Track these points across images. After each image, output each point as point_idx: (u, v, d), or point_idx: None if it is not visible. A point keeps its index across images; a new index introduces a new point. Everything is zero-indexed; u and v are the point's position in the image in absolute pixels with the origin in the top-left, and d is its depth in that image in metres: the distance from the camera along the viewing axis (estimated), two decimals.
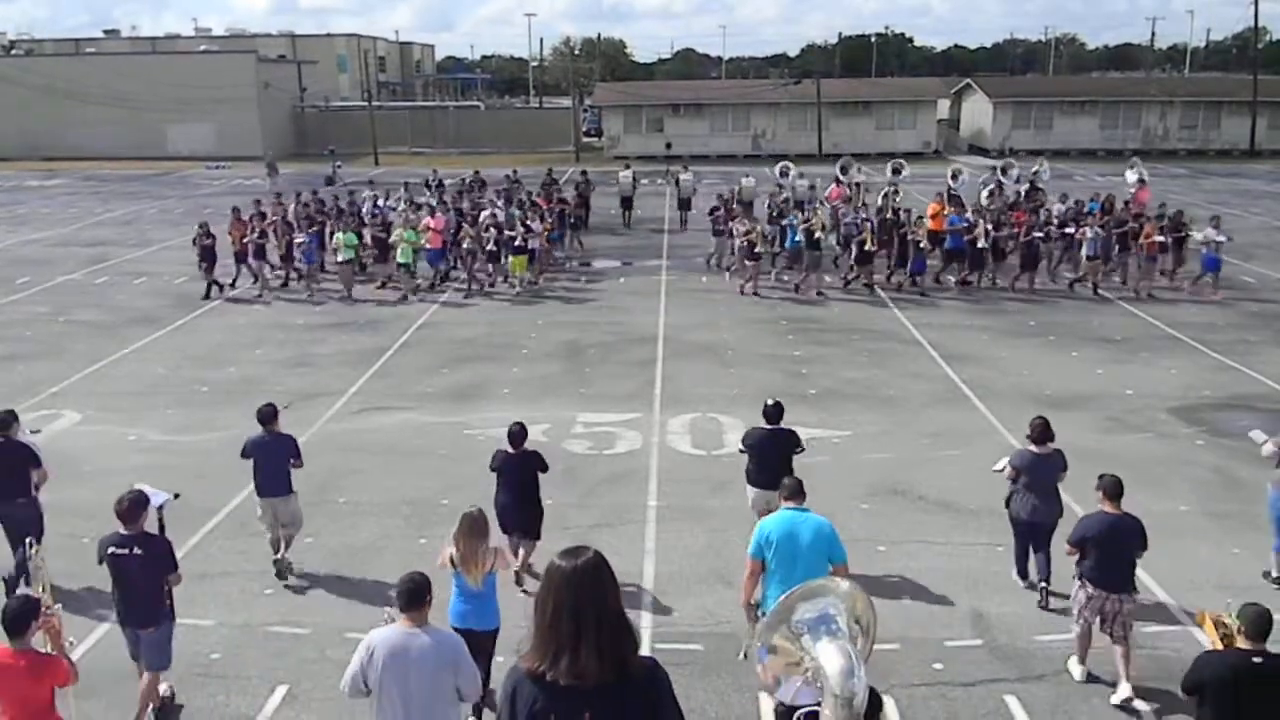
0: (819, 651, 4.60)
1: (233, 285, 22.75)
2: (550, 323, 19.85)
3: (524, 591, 9.46)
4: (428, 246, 22.62)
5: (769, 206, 25.33)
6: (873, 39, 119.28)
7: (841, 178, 28.98)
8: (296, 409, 14.07)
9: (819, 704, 4.59)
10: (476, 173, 32.60)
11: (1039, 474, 9.24)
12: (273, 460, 9.67)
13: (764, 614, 6.93)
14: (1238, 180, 41.57)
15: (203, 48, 70.60)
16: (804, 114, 56.09)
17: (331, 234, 22.93)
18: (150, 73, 58.16)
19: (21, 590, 7.57)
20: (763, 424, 9.86)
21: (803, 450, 9.82)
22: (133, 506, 7.26)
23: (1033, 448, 9.31)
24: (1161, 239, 21.61)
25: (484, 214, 23.65)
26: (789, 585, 6.37)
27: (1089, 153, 54.88)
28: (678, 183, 31.03)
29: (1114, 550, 7.86)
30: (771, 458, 9.37)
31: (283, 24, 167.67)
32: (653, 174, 44.83)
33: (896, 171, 29.91)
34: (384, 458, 12.90)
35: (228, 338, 18.97)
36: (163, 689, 7.72)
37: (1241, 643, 6.03)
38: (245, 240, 22.25)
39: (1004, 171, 29.25)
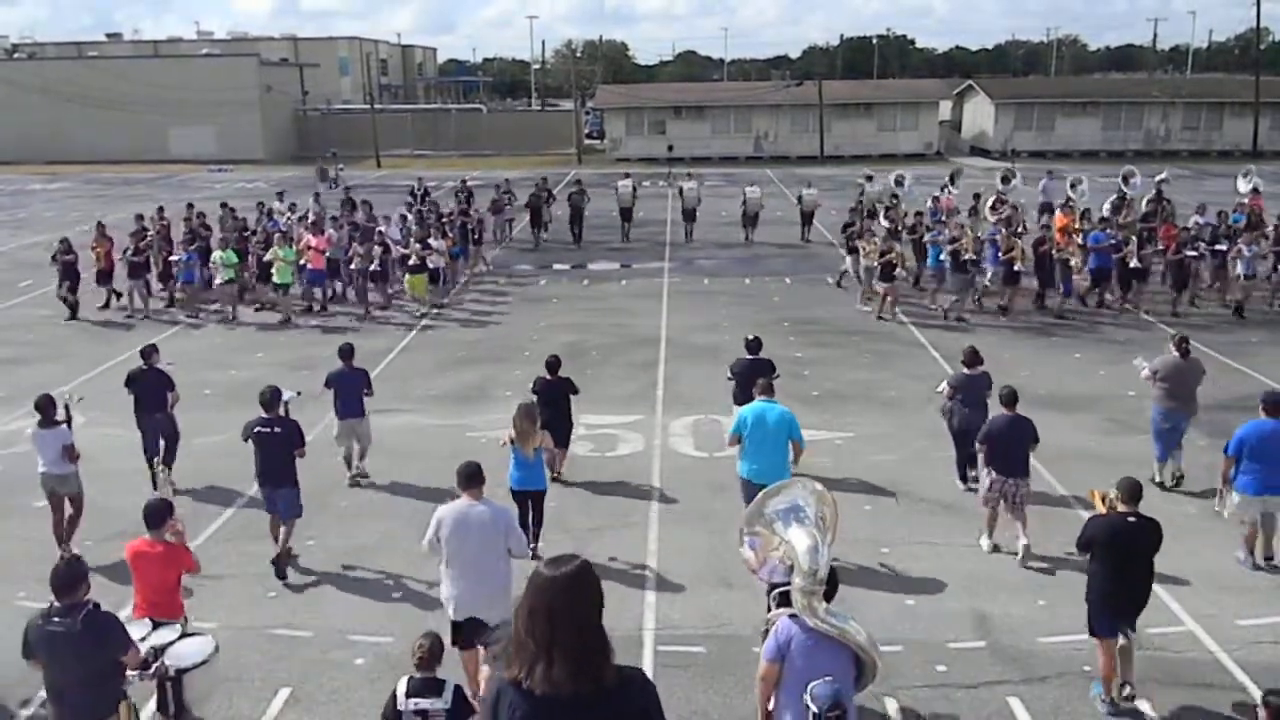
0: (790, 535, 6.05)
1: (105, 306, 21.26)
2: (552, 325, 19.86)
3: (558, 478, 11.85)
4: (309, 266, 20.65)
5: (888, 219, 22.43)
6: (874, 41, 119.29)
7: (952, 188, 26.36)
8: (296, 411, 14.05)
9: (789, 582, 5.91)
10: (464, 181, 30.89)
11: (970, 390, 11.54)
12: (350, 389, 12.03)
13: (742, 478, 9.80)
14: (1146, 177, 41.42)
15: (205, 51, 70.73)
16: (806, 116, 56.10)
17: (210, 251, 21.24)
18: (152, 76, 58.27)
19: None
20: (745, 355, 12.24)
21: (778, 376, 11.45)
22: (274, 397, 10.04)
23: (965, 370, 11.67)
24: None
25: (381, 230, 22.31)
26: (760, 455, 9.69)
27: (1091, 154, 54.86)
28: (681, 193, 29.38)
29: (1010, 444, 10.00)
30: (752, 382, 10.60)
31: (285, 27, 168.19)
32: (654, 175, 44.78)
33: (1006, 180, 26.51)
34: (386, 460, 12.90)
35: (229, 341, 19.00)
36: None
37: (1120, 507, 7.65)
38: (118, 258, 20.80)
39: (1126, 180, 26.00)
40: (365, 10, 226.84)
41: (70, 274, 20.53)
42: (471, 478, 7.54)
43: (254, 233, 22.65)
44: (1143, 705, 7.71)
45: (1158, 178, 26.60)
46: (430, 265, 20.75)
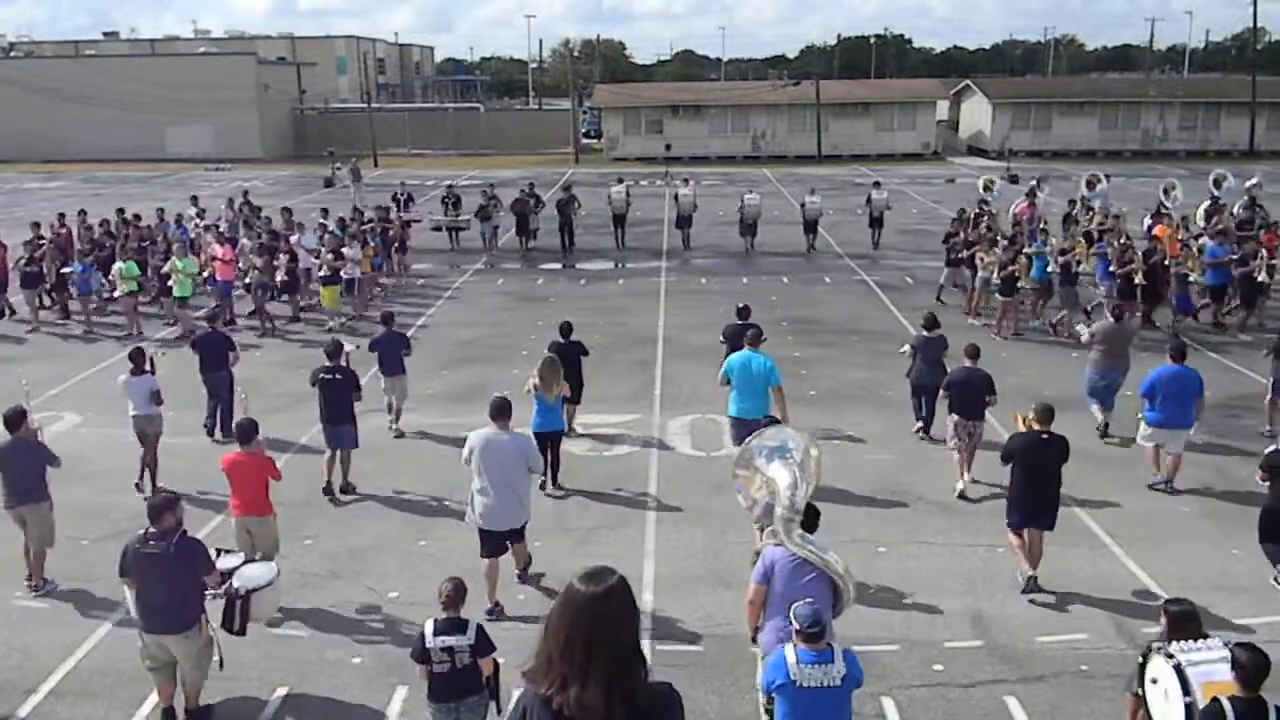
0: (771, 471, 7.11)
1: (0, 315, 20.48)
2: (550, 324, 19.67)
3: (571, 432, 13.18)
4: (218, 277, 19.69)
5: (985, 227, 20.86)
6: (872, 40, 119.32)
7: (1039, 193, 24.72)
8: (295, 411, 14.07)
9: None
10: (450, 186, 29.33)
11: (928, 350, 13.14)
12: (392, 350, 13.80)
13: (731, 416, 11.28)
14: (1238, 181, 41.51)
15: (202, 49, 70.62)
16: (803, 115, 56.12)
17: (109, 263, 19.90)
18: (149, 75, 58.18)
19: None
20: (735, 321, 13.57)
21: (765, 340, 12.08)
22: (338, 348, 11.97)
23: (924, 332, 13.32)
24: None
25: (294, 239, 21.09)
26: (745, 396, 11.16)
27: (1088, 154, 54.91)
28: (677, 199, 28.02)
29: (969, 391, 11.57)
30: (741, 344, 11.90)
31: (282, 26, 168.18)
32: (652, 175, 44.70)
33: (1091, 186, 24.83)
34: (384, 460, 12.89)
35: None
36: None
37: (1035, 426, 9.39)
38: (11, 267, 19.99)
39: (1217, 184, 24.26)
40: (363, 9, 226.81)
41: None
42: (501, 410, 9.18)
43: (153, 243, 21.67)
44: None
45: (1248, 183, 24.85)
46: (345, 275, 19.89)
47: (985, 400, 11.58)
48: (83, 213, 24.37)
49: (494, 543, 9.12)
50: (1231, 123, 55.92)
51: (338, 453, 11.79)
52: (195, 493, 11.44)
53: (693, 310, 20.86)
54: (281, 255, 20.03)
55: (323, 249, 19.97)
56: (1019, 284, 18.48)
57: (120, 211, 24.78)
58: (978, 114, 60.35)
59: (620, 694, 3.21)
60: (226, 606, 7.78)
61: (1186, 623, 6.19)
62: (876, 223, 27.58)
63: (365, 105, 59.84)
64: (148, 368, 11.95)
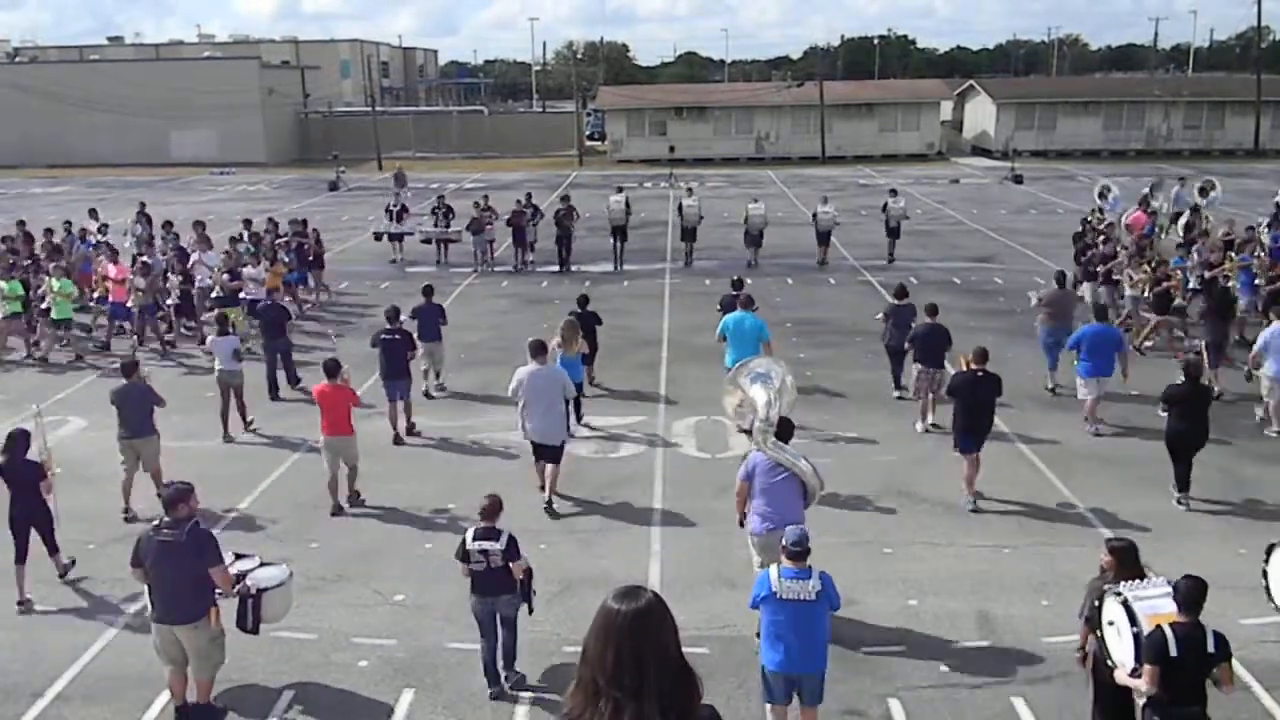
0: (753, 392, 9.38)
1: None
2: (553, 326, 19.66)
3: (593, 383, 15.40)
4: (110, 298, 18.58)
5: (1122, 243, 19.42)
6: (875, 41, 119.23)
7: (1152, 200, 22.97)
8: (301, 413, 14.10)
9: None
10: (441, 198, 27.50)
11: (898, 317, 14.85)
12: (430, 320, 15.31)
13: (727, 368, 12.18)
14: (1242, 180, 41.32)
15: (206, 54, 70.75)
16: (807, 116, 56.05)
17: None
18: (154, 79, 58.22)
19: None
20: (731, 291, 15.28)
21: (757, 308, 13.99)
22: (396, 312, 14.19)
23: (895, 301, 15.22)
24: None
25: (193, 258, 19.67)
26: (739, 349, 12.99)
27: (1092, 153, 54.83)
28: (681, 210, 25.96)
29: (930, 344, 13.53)
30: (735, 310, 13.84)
31: (286, 30, 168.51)
32: (656, 176, 44.63)
33: (1204, 193, 23.22)
34: (389, 462, 12.91)
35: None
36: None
37: (973, 365, 11.17)
38: None
39: None
40: (366, 12, 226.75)
41: None
42: (539, 349, 11.50)
43: (32, 261, 20.26)
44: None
45: None
46: (245, 296, 18.43)
47: (944, 351, 13.46)
48: None
49: (540, 451, 11.50)
50: (1236, 122, 55.76)
51: (398, 403, 13.63)
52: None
53: (696, 312, 20.75)
54: (173, 276, 19.03)
55: (218, 269, 18.88)
56: (1173, 300, 17.07)
57: (22, 224, 23.36)
58: (982, 114, 60.25)
59: (676, 715, 3.03)
60: (240, 606, 7.92)
61: (1128, 555, 6.99)
62: (893, 233, 25.76)
63: (370, 109, 59.91)
64: (231, 330, 14.33)
